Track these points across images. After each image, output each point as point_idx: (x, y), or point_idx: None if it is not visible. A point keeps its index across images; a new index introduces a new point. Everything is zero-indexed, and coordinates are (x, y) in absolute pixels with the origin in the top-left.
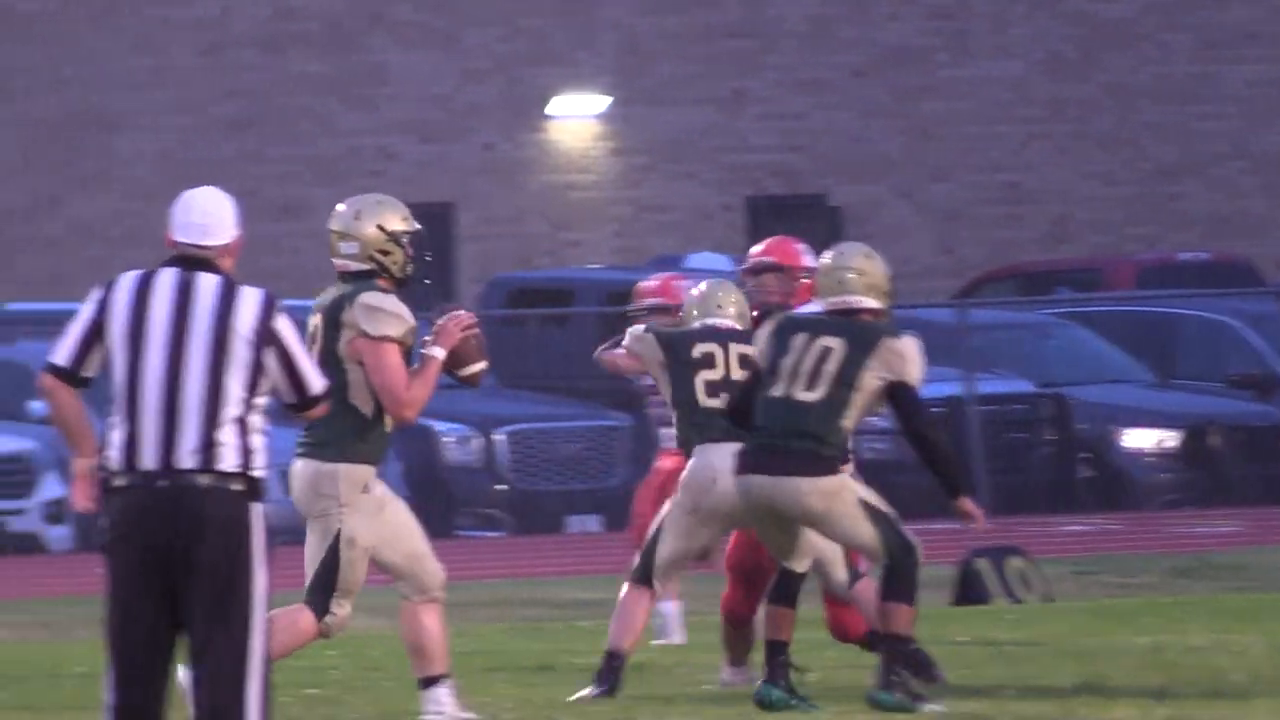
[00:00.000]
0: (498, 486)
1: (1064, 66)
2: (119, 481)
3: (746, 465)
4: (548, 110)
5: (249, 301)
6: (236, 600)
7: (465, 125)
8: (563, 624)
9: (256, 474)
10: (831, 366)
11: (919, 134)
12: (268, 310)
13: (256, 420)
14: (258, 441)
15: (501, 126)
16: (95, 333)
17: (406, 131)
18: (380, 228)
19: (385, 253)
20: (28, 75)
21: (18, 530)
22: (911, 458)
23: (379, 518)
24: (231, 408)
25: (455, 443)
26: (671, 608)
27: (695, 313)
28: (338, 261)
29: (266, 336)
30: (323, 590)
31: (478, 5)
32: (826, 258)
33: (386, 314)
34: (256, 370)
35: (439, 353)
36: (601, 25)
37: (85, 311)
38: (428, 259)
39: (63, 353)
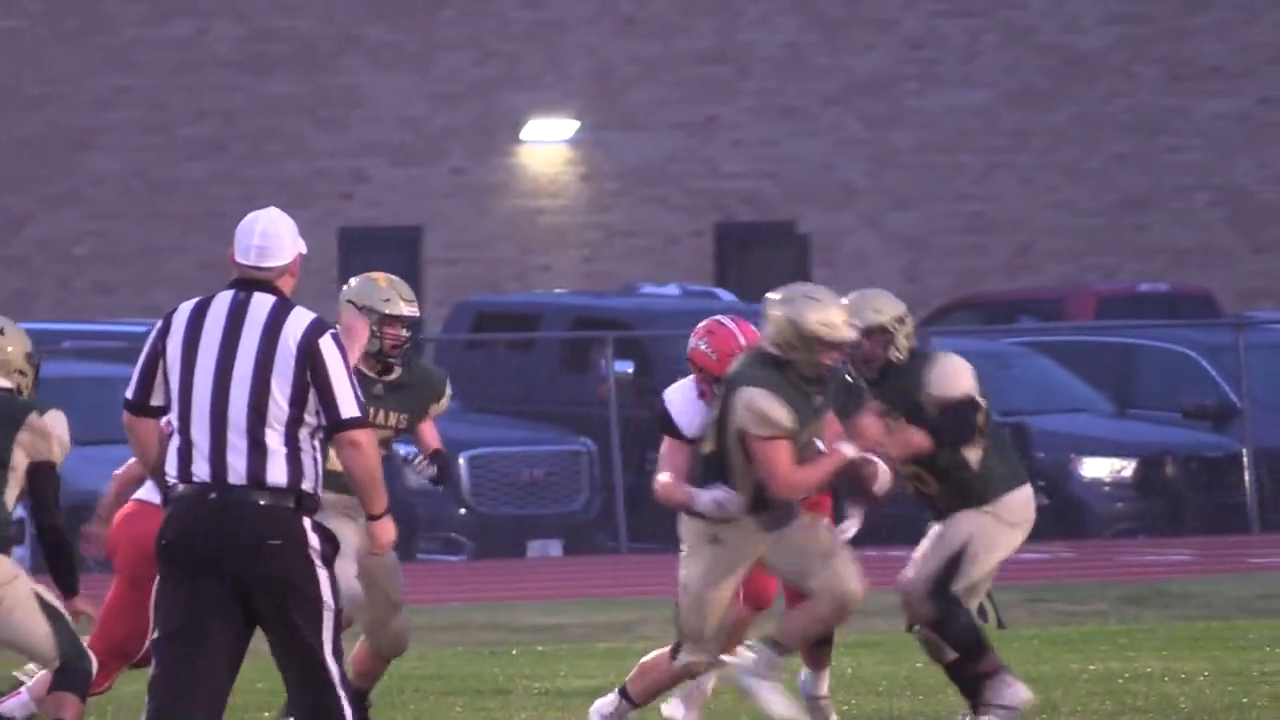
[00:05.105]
0: (459, 510)
1: (1032, 96)
2: (176, 491)
3: None
4: (519, 135)
5: (298, 320)
6: (301, 611)
7: (436, 148)
8: (521, 648)
9: (306, 488)
10: None
11: (886, 162)
12: (314, 329)
13: (305, 436)
14: (308, 457)
15: (472, 150)
16: (156, 362)
17: (377, 154)
18: (792, 321)
19: (793, 348)
20: None
21: None
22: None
23: None
24: (277, 422)
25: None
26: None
27: None
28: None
29: (309, 354)
30: None
31: (450, 28)
32: None
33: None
34: (301, 386)
35: (850, 451)
36: (573, 50)
37: (146, 344)
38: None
39: (131, 388)
